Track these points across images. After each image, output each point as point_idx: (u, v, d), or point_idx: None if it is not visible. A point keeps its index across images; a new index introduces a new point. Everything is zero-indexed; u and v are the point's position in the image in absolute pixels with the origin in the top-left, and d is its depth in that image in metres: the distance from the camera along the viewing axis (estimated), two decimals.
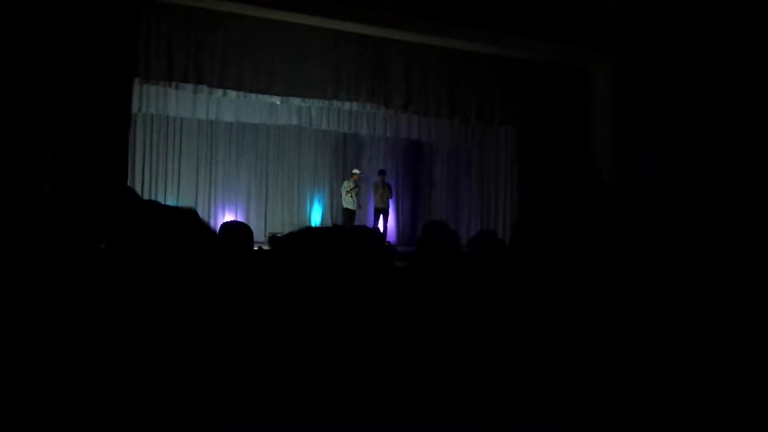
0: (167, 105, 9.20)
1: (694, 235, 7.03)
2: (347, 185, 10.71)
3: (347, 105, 8.98)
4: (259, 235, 9.99)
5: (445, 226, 3.18)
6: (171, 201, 10.33)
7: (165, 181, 10.39)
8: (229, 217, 10.58)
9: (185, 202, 10.43)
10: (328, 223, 11.44)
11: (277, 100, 8.72)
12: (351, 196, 10.62)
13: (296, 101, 8.88)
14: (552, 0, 7.94)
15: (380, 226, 10.70)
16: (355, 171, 10.93)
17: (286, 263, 1.12)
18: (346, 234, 1.43)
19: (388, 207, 10.99)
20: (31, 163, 6.18)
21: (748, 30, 7.46)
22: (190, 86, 7.71)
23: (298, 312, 1.08)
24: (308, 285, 1.10)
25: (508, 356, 2.16)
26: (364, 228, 3.01)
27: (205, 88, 7.80)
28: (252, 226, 3.58)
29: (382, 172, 11.07)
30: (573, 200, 8.90)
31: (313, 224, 11.26)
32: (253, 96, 8.37)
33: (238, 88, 7.87)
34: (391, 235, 11.52)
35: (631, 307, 2.61)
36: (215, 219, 10.56)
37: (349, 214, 10.65)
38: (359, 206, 10.79)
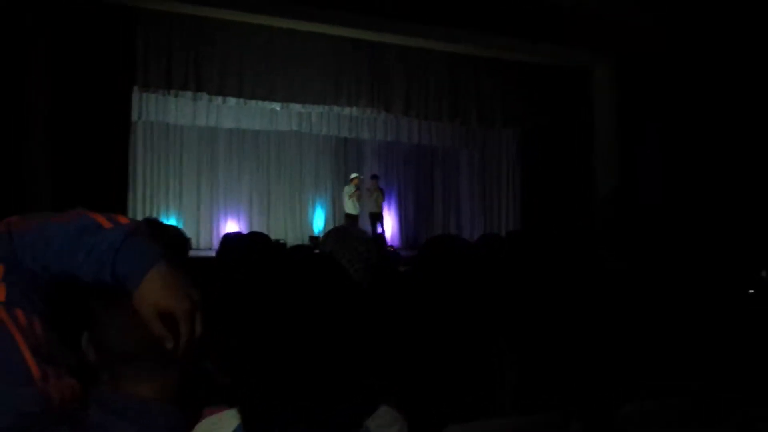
0: (167, 112, 9.18)
1: (690, 233, 7.02)
2: (349, 190, 10.65)
3: (347, 110, 8.96)
4: None
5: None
6: (173, 209, 10.30)
7: (166, 189, 10.35)
8: (231, 224, 10.54)
9: (187, 210, 10.41)
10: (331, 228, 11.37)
11: (277, 106, 8.69)
12: (353, 201, 10.57)
13: (296, 107, 8.85)
14: (551, 2, 7.91)
15: (378, 231, 10.62)
16: (354, 175, 10.87)
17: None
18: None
19: (382, 211, 10.92)
20: (30, 172, 6.16)
21: (747, 31, 7.44)
22: (189, 93, 7.69)
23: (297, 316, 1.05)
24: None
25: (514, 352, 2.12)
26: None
27: (204, 96, 7.78)
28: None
29: (374, 177, 10.99)
30: (575, 202, 8.87)
31: (315, 230, 11.20)
32: (253, 102, 8.34)
33: (237, 95, 7.84)
34: (395, 239, 11.48)
35: (629, 304, 2.58)
36: (218, 227, 10.52)
37: (351, 218, 10.59)
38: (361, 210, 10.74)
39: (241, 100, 8.15)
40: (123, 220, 1.00)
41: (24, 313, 0.92)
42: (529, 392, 2.05)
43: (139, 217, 9.34)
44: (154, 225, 2.61)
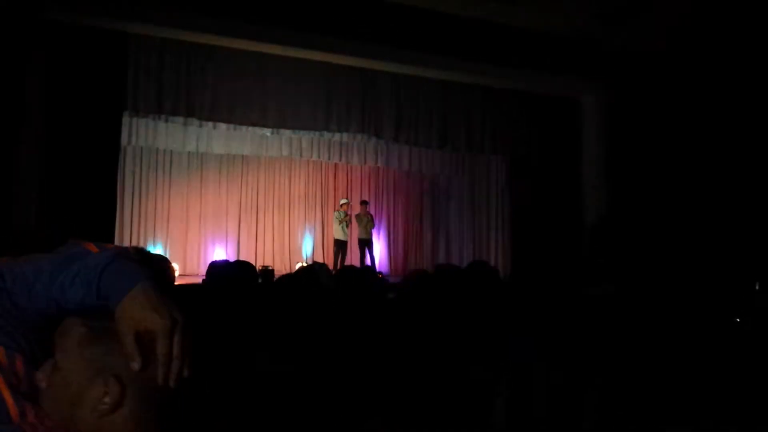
0: (157, 137, 9.17)
1: (680, 259, 7.05)
2: (338, 215, 10.65)
3: (338, 136, 8.98)
4: None
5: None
6: (160, 234, 10.22)
7: (154, 214, 10.29)
8: (219, 250, 10.47)
9: (174, 235, 10.34)
10: (320, 255, 11.35)
11: (267, 131, 8.71)
12: (343, 227, 10.55)
13: (287, 133, 8.87)
14: (541, 31, 8.03)
15: (367, 258, 10.58)
16: (344, 201, 10.89)
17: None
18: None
19: (372, 237, 10.89)
20: (17, 196, 6.10)
21: (736, 61, 7.58)
22: (180, 119, 7.69)
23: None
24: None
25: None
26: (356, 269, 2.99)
27: (195, 121, 7.78)
28: (243, 258, 3.52)
29: (364, 203, 10.99)
30: (564, 230, 8.90)
31: (304, 256, 11.16)
32: (243, 128, 8.35)
33: (228, 120, 7.85)
34: (384, 265, 11.44)
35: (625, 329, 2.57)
36: (205, 253, 10.45)
37: (340, 244, 10.56)
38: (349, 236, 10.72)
39: (231, 126, 8.15)
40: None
41: (5, 351, 0.91)
42: (520, 421, 2.03)
43: (126, 243, 9.27)
44: (140, 253, 2.59)
